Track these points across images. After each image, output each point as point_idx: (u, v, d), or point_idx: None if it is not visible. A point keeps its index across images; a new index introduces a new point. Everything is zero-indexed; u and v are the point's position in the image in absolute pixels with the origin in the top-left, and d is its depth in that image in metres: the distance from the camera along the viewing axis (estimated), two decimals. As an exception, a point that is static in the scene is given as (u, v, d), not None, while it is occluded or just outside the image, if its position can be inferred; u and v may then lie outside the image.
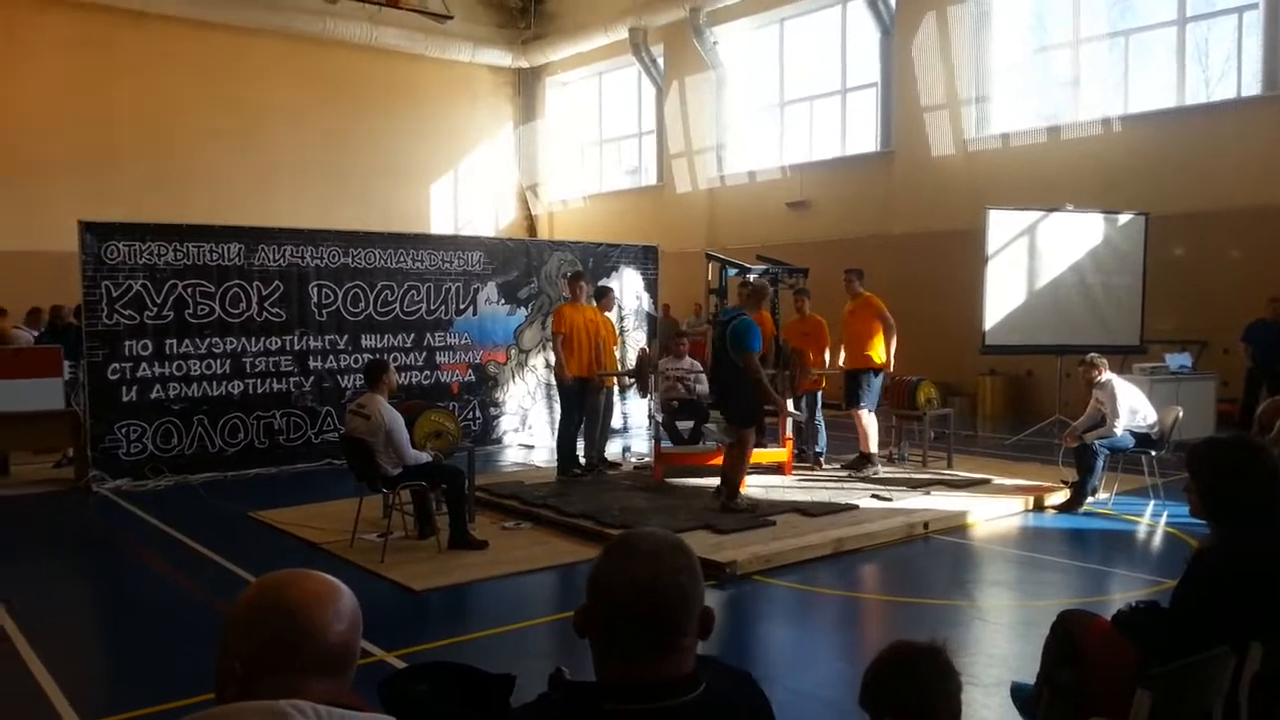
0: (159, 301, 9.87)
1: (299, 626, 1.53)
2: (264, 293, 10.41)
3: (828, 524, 7.34)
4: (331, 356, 10.82)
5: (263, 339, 10.41)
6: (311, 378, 10.70)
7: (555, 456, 9.26)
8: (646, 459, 10.25)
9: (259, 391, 10.40)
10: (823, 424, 9.84)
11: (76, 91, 17.65)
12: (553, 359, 10.12)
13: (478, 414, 11.93)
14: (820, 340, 9.64)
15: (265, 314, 10.42)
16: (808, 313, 9.77)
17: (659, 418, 9.49)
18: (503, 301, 12.14)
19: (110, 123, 17.89)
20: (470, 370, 11.87)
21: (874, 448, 9.29)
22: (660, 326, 14.35)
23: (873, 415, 9.31)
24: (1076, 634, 3.06)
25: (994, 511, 8.01)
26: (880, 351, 9.24)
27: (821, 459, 9.71)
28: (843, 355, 9.52)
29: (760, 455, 8.79)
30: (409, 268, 11.36)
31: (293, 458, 10.48)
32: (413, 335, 11.41)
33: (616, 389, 10.33)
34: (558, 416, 10.13)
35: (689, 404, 9.71)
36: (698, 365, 10.21)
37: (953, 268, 14.84)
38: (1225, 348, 12.44)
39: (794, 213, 17.90)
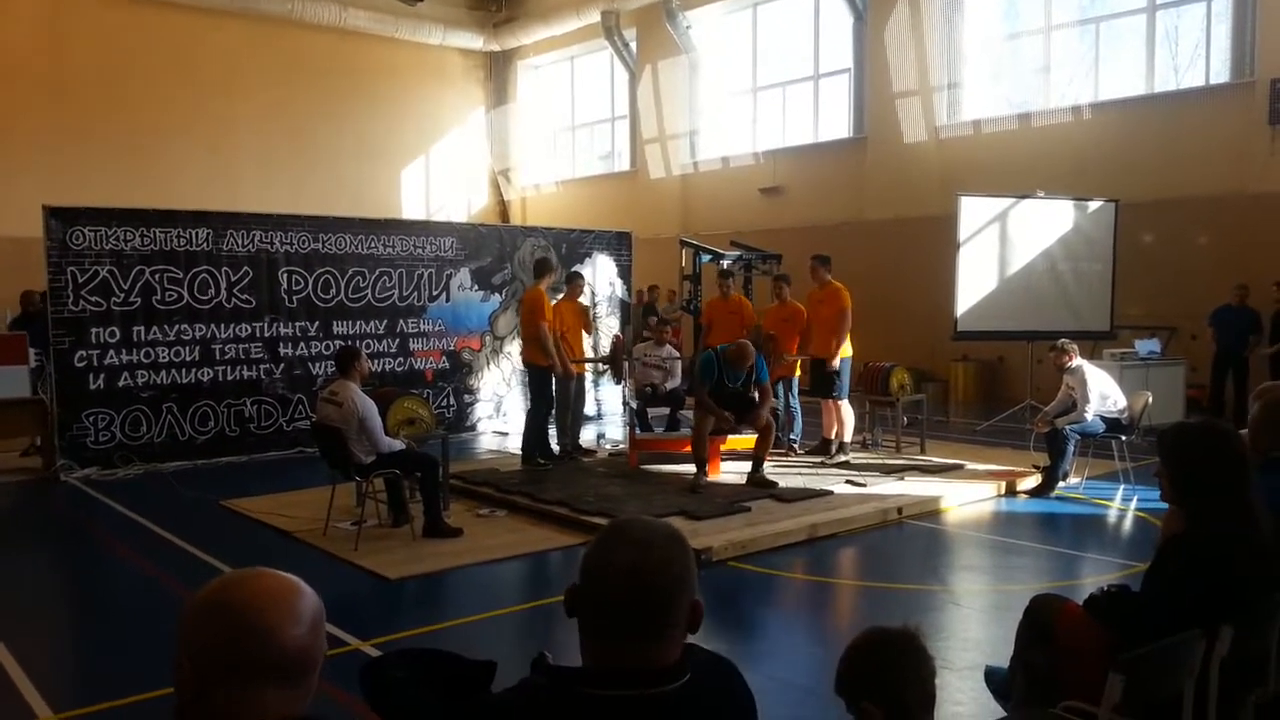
0: (126, 288, 9.75)
1: (250, 627, 1.42)
2: (233, 279, 10.30)
3: (802, 510, 7.37)
4: (302, 343, 10.74)
5: (232, 325, 10.31)
6: (282, 365, 10.61)
7: (521, 446, 9.22)
8: (621, 446, 10.27)
9: (229, 379, 10.30)
10: (798, 410, 9.89)
11: (39, 73, 17.34)
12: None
13: (452, 401, 11.90)
14: (799, 327, 9.67)
15: (234, 300, 10.32)
16: (787, 299, 9.79)
17: (633, 405, 9.50)
18: (476, 287, 12.08)
19: (74, 105, 17.60)
20: (444, 357, 11.83)
21: (849, 437, 9.35)
22: (634, 312, 14.35)
23: (849, 405, 9.36)
24: (1049, 618, 3.10)
25: (967, 496, 8.08)
26: (848, 342, 9.30)
27: (796, 445, 9.78)
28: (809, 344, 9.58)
29: (735, 442, 8.84)
30: (380, 253, 11.28)
31: (264, 446, 10.41)
32: (385, 322, 11.34)
33: (590, 375, 10.31)
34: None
35: (665, 391, 9.73)
36: (675, 353, 10.23)
37: (925, 254, 14.93)
38: (1193, 334, 12.61)
39: (768, 199, 17.92)
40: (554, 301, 9.31)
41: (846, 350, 9.31)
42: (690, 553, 1.67)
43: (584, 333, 9.99)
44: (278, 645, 1.44)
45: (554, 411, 9.33)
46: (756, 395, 8.28)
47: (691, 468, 8.33)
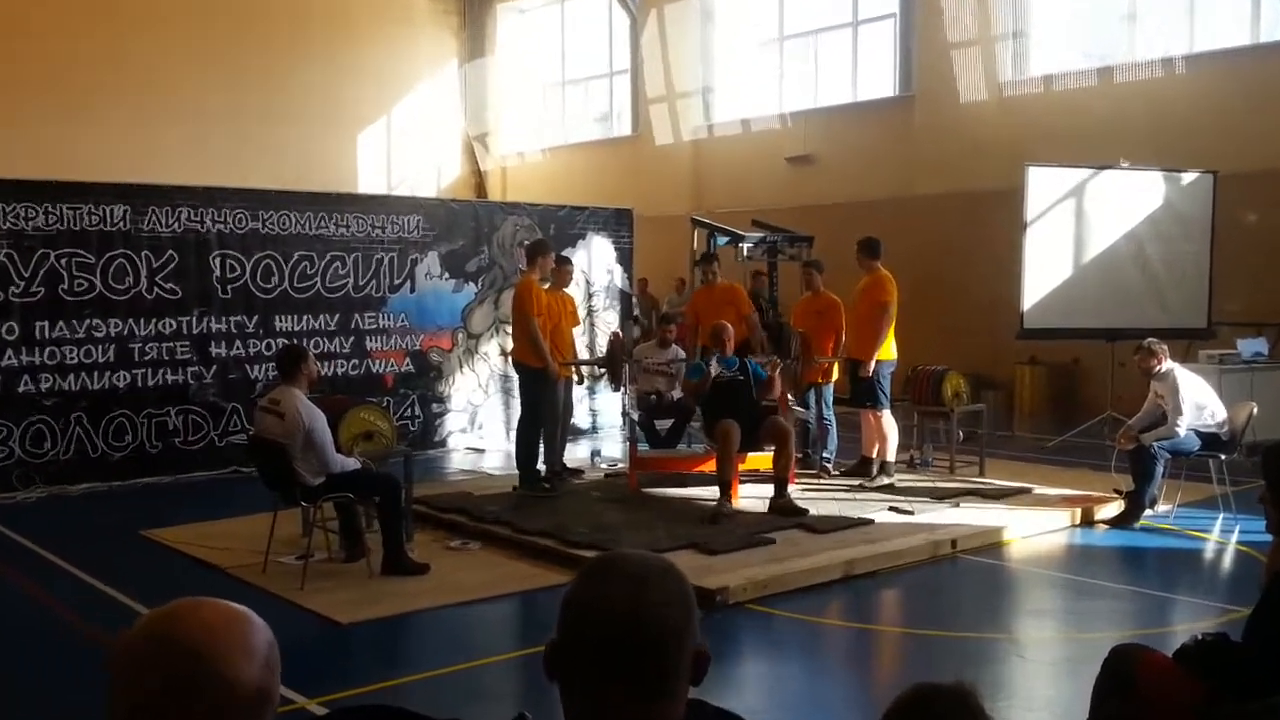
0: (26, 275, 9.74)
1: (197, 667, 1.43)
2: (155, 265, 10.31)
3: (837, 542, 7.37)
4: (238, 342, 10.76)
5: (154, 321, 10.31)
6: (214, 368, 10.62)
7: (516, 465, 9.23)
8: (619, 465, 10.26)
9: (150, 384, 10.31)
10: (833, 423, 9.89)
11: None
12: (508, 344, 10.09)
13: (417, 411, 11.92)
14: (833, 323, 9.66)
15: (157, 290, 10.33)
16: (820, 290, 9.80)
17: (634, 416, 9.51)
18: (446, 276, 12.10)
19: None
20: (407, 359, 11.85)
21: (892, 455, 9.36)
22: (637, 304, 14.35)
23: (891, 416, 9.37)
24: (1130, 669, 3.09)
25: (1034, 527, 8.08)
26: (891, 342, 9.30)
27: (829, 465, 9.78)
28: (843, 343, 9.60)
29: (755, 461, 8.83)
30: (332, 234, 11.30)
31: (192, 464, 10.42)
32: (337, 316, 11.36)
33: (578, 381, 10.31)
34: (517, 416, 10.10)
35: (671, 400, 9.73)
36: (683, 355, 10.24)
37: (985, 236, 14.92)
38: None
39: (796, 170, 17.93)
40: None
41: (888, 352, 9.32)
42: (690, 590, 1.66)
43: (573, 329, 9.99)
44: (233, 686, 1.44)
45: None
46: (758, 392, 8.31)
47: (705, 491, 8.31)
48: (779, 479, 8.31)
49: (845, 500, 8.65)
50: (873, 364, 9.18)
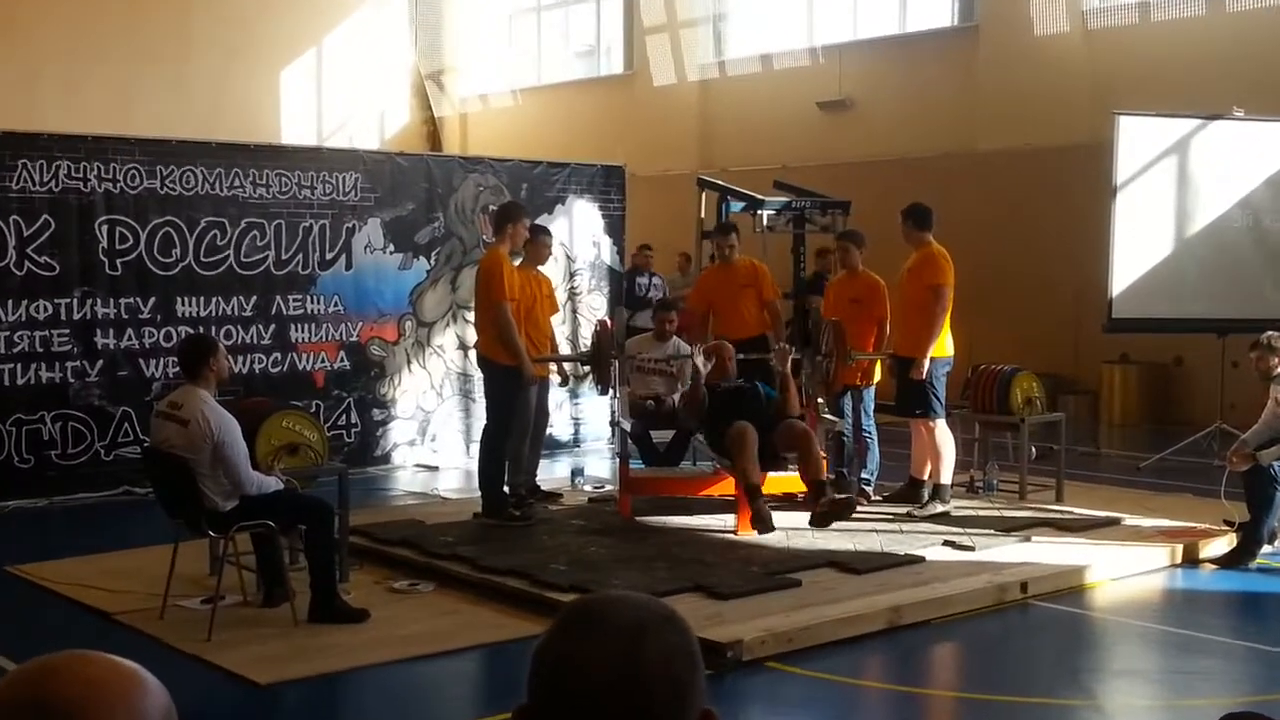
0: None
1: None
2: (25, 234, 10.27)
3: (879, 585, 7.34)
4: (130, 331, 10.74)
5: (24, 304, 10.29)
6: (100, 363, 10.61)
7: (478, 487, 9.23)
8: (607, 488, 10.27)
9: (19, 384, 10.27)
10: (874, 436, 9.90)
11: None
12: (469, 335, 10.06)
13: (354, 419, 11.91)
14: (874, 311, 9.64)
15: (28, 265, 10.30)
16: (859, 269, 9.81)
17: (626, 426, 9.51)
18: (392, 248, 12.09)
19: None
20: (342, 353, 11.84)
21: (948, 476, 9.37)
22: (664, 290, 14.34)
23: (947, 428, 9.37)
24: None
25: (1125, 567, 8.07)
26: (947, 336, 9.30)
27: (870, 488, 9.80)
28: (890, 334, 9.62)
29: (777, 483, 8.85)
30: (248, 196, 11.28)
31: (72, 483, 10.39)
32: (254, 299, 11.34)
33: (556, 382, 10.32)
34: (479, 424, 10.08)
35: (672, 409, 9.74)
36: (686, 348, 10.23)
37: (1064, 203, 14.94)
38: None
39: (829, 118, 17.93)
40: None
41: (943, 348, 9.32)
42: (695, 643, 1.67)
43: (552, 317, 10.01)
44: None
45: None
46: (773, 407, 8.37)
47: (714, 520, 8.32)
48: (814, 482, 8.36)
49: (889, 533, 8.62)
50: (926, 363, 9.18)
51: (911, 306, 9.39)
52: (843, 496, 8.38)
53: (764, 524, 8.06)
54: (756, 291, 9.89)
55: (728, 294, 9.91)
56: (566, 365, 10.60)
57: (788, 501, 8.99)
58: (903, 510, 9.28)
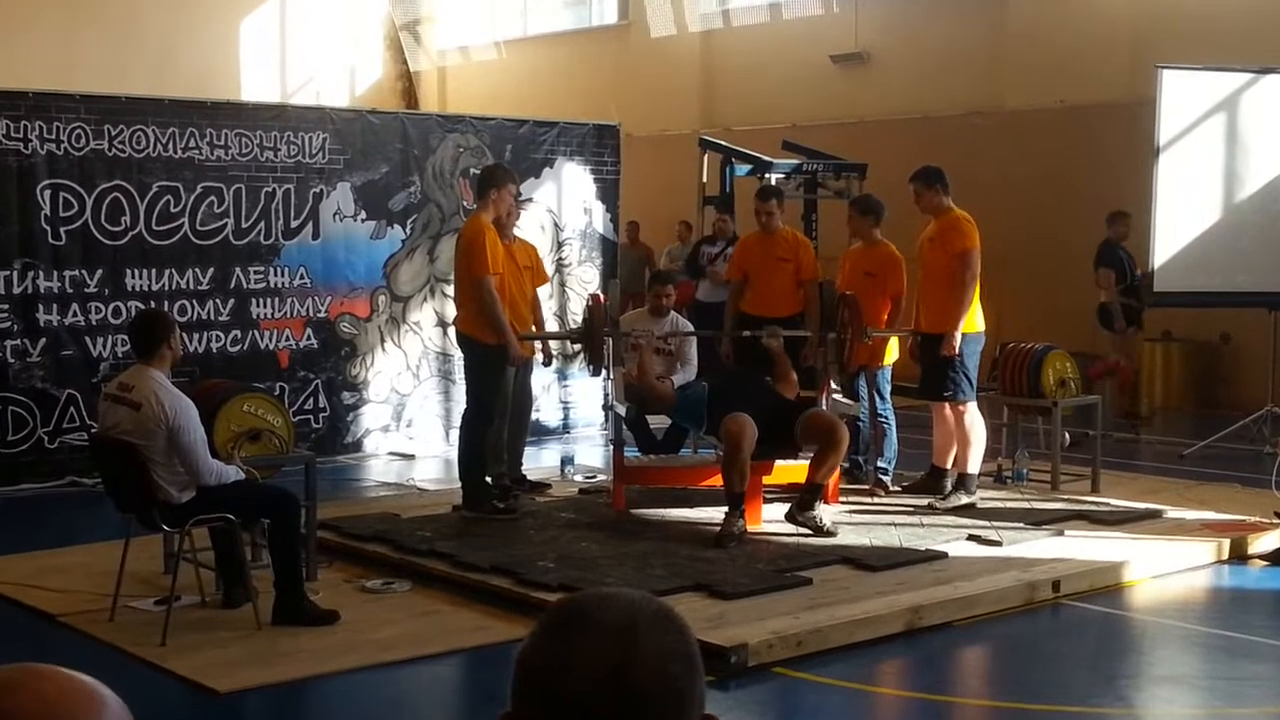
0: None
1: None
2: (-40, 199, 10.28)
3: (897, 583, 7.36)
4: (75, 306, 10.72)
5: (-40, 277, 10.30)
6: (43, 341, 10.59)
7: (458, 477, 9.24)
8: (600, 479, 10.28)
9: (-45, 364, 10.30)
10: (891, 421, 9.89)
11: None
12: (449, 311, 10.05)
13: (322, 403, 11.90)
14: (889, 284, 9.67)
15: (-36, 235, 10.31)
16: (877, 238, 9.79)
17: (620, 410, 9.51)
18: (363, 216, 12.07)
19: None
20: (309, 330, 11.83)
21: (976, 466, 9.35)
22: (624, 258, 14.31)
23: (978, 412, 9.32)
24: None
25: (1167, 563, 8.07)
26: (978, 309, 9.25)
27: (888, 478, 9.80)
28: (916, 311, 9.56)
29: (787, 473, 8.87)
30: (205, 158, 11.24)
31: (12, 473, 10.37)
32: (212, 271, 11.31)
33: (544, 363, 10.30)
34: (459, 409, 10.08)
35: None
36: (687, 324, 10.23)
37: (1100, 165, 14.92)
38: None
39: (844, 74, 17.92)
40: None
41: (974, 322, 9.28)
42: (695, 645, 1.67)
43: (539, 289, 10.02)
44: None
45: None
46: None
47: (718, 513, 8.35)
48: (813, 485, 8.39)
49: (909, 526, 8.63)
50: (957, 337, 9.09)
51: (937, 279, 9.31)
52: (823, 522, 8.33)
53: (724, 542, 8.01)
54: (795, 267, 9.85)
55: (763, 266, 9.87)
56: (554, 344, 10.59)
57: (793, 492, 8.98)
58: (923, 502, 9.28)
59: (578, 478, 10.46)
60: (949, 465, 9.41)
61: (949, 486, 9.34)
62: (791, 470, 8.91)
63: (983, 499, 9.28)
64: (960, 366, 9.20)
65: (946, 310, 9.19)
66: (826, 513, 8.53)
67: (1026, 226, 14.81)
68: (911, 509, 9.15)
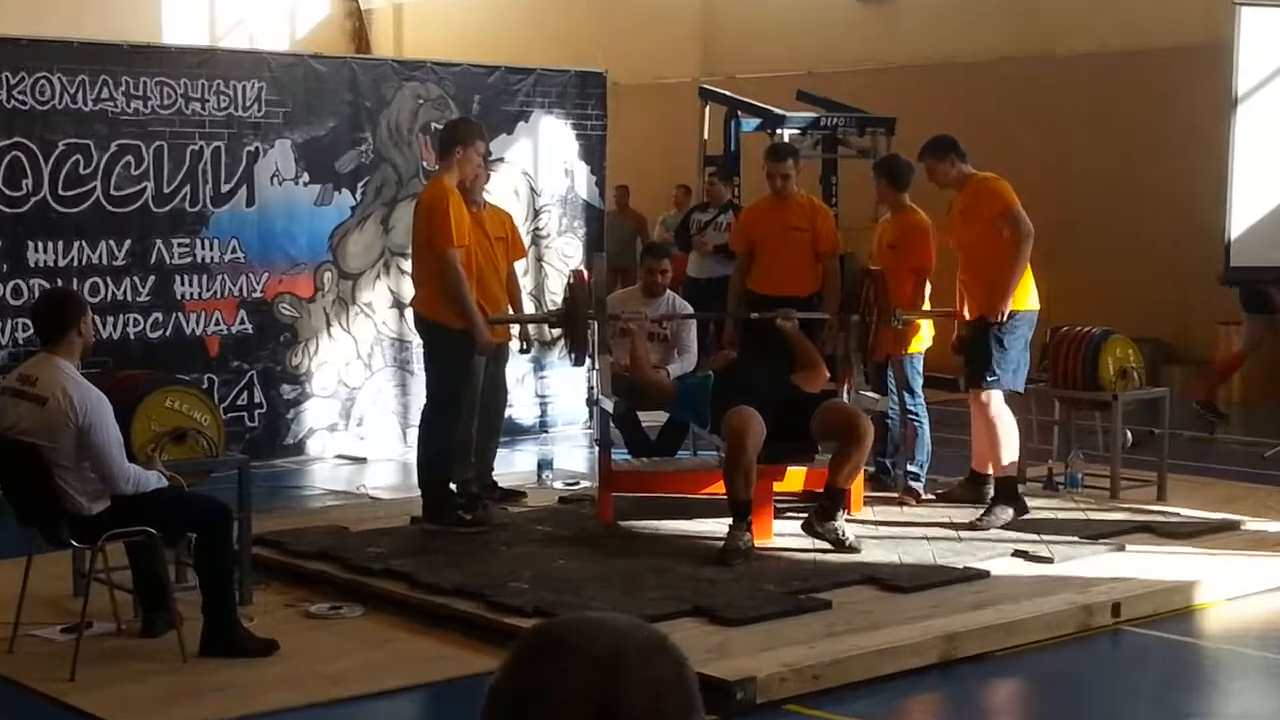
0: None
1: None
2: None
3: (931, 606, 7.36)
4: (-32, 284, 10.74)
5: None
6: (-70, 325, 10.60)
7: (417, 484, 9.26)
8: (584, 485, 10.28)
9: None
10: (924, 418, 9.89)
11: None
12: (406, 290, 10.05)
13: (258, 398, 11.88)
14: (912, 257, 9.67)
15: None
16: (905, 204, 9.79)
17: (608, 405, 9.50)
18: (306, 179, 12.07)
19: None
20: (243, 313, 11.82)
21: (1013, 462, 9.26)
22: (611, 228, 14.29)
23: (1004, 403, 9.24)
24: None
25: (1245, 584, 8.07)
26: (1030, 283, 9.20)
27: (919, 485, 9.81)
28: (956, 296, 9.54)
29: (803, 478, 8.91)
30: (120, 111, 11.22)
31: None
32: (128, 243, 11.30)
33: (520, 350, 10.30)
34: (419, 404, 10.07)
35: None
36: (685, 304, 10.22)
37: (1167, 119, 14.93)
38: None
39: (869, 11, 17.90)
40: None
41: (1025, 297, 9.17)
42: (692, 677, 1.68)
43: (515, 264, 10.03)
44: None
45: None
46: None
47: (716, 526, 8.35)
48: (833, 490, 8.38)
49: (944, 540, 8.65)
50: (1007, 307, 8.99)
51: (977, 256, 9.23)
52: (844, 535, 8.32)
53: (728, 559, 8.02)
54: (811, 238, 9.84)
55: (774, 237, 9.87)
56: (531, 329, 10.59)
57: (810, 500, 8.99)
58: (962, 513, 9.24)
59: (557, 484, 10.47)
60: (991, 470, 9.40)
61: (989, 495, 9.27)
62: (805, 475, 8.91)
63: (1031, 509, 9.22)
64: (1001, 342, 9.08)
65: (995, 285, 9.06)
66: (848, 524, 8.53)
67: (1078, 191, 14.80)
68: (947, 521, 9.14)
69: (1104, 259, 15.07)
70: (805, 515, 8.51)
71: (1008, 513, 9.07)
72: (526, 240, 11.95)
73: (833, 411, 8.61)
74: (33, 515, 6.88)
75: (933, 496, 9.74)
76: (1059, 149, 14.79)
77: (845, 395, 9.12)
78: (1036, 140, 13.53)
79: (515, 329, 10.10)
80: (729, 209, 13.72)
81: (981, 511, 9.16)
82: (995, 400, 9.19)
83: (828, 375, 9.14)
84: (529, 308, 11.66)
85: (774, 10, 18.61)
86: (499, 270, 9.63)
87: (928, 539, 8.69)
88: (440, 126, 10.62)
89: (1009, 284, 9.01)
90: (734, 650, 6.66)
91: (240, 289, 11.82)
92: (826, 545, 8.27)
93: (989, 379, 9.14)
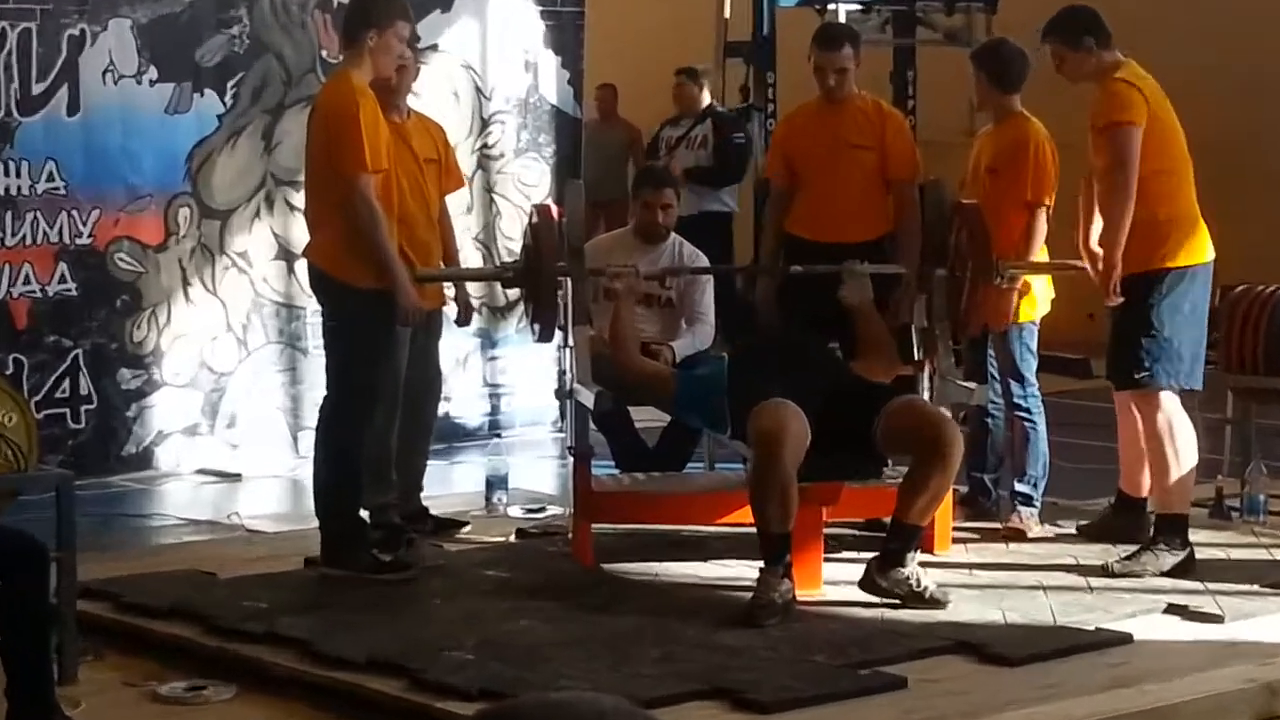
0: None
1: None
2: None
3: (1047, 686, 7.30)
4: None
5: None
6: None
7: (315, 511, 9.29)
8: (552, 512, 10.37)
9: None
10: (1039, 417, 9.87)
11: None
12: (298, 235, 10.06)
13: (86, 387, 11.90)
14: (1017, 184, 9.67)
15: None
16: (1014, 109, 9.80)
17: (588, 400, 9.50)
18: (154, 75, 12.11)
19: None
20: (62, 266, 11.84)
21: (1186, 496, 9.17)
22: (593, 145, 14.36)
23: (1179, 407, 9.17)
24: None
25: None
26: (1201, 228, 9.08)
27: (1033, 510, 9.80)
28: (1095, 233, 9.44)
29: (860, 503, 8.96)
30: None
31: None
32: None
33: (457, 320, 10.32)
34: (316, 396, 10.10)
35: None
36: (697, 254, 10.24)
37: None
38: None
39: None
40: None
41: (1182, 249, 9.03)
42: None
43: (446, 198, 10.16)
44: None
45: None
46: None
47: (741, 570, 8.32)
48: (903, 527, 8.34)
49: (1069, 590, 8.65)
50: (1115, 275, 8.84)
51: (1114, 182, 8.99)
52: (919, 587, 8.24)
53: (758, 618, 7.95)
54: (879, 160, 9.80)
55: (824, 158, 9.82)
56: (475, 289, 10.61)
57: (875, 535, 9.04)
58: (1096, 552, 9.20)
59: (514, 511, 10.50)
60: (1146, 494, 9.33)
61: (1149, 530, 9.16)
62: (864, 498, 8.91)
63: (1193, 543, 9.13)
64: (1163, 322, 8.95)
65: (1145, 235, 8.85)
66: (926, 569, 8.47)
67: (1255, 114, 14.85)
68: (1073, 562, 9.12)
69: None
70: (867, 558, 8.42)
71: (1170, 559, 8.89)
72: (469, 164, 11.98)
73: (906, 412, 8.43)
74: None
75: (1054, 528, 9.66)
76: (1243, 34, 14.83)
77: (926, 386, 9.12)
78: (1209, 20, 13.55)
79: (452, 289, 10.11)
80: (706, 119, 13.81)
81: (1130, 552, 9.02)
82: (1165, 405, 8.99)
83: (897, 364, 9.13)
84: (473, 260, 11.69)
85: None
86: (430, 206, 9.60)
87: (1044, 588, 8.64)
88: (345, 1, 10.60)
89: (1111, 240, 8.86)
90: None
91: (59, 233, 11.82)
92: (896, 600, 8.19)
93: (1140, 375, 8.99)
